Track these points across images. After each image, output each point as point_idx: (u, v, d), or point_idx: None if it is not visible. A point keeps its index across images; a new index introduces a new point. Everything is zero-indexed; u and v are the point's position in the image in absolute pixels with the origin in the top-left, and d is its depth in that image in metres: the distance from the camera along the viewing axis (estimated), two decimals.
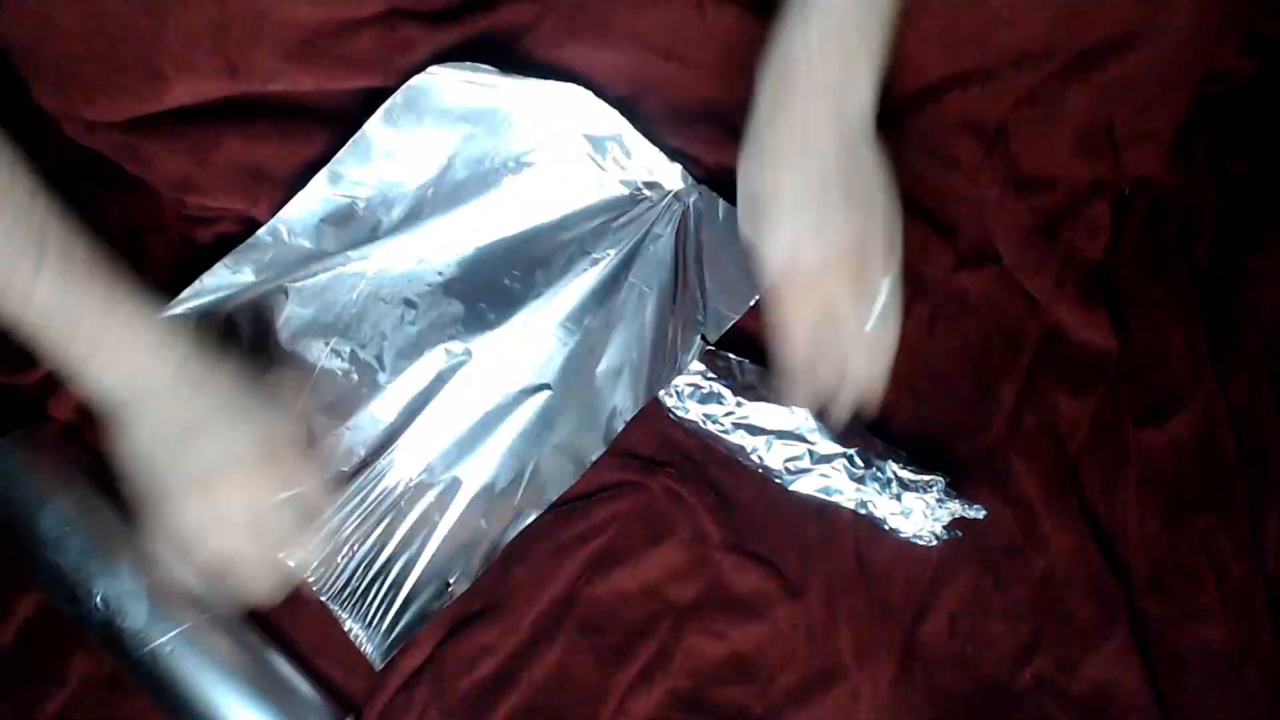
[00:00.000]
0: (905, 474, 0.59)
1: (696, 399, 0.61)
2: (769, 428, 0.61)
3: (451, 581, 0.59)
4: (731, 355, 0.63)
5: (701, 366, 0.62)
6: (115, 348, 0.50)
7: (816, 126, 0.46)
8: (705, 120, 0.66)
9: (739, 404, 0.61)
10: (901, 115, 0.66)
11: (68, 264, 0.49)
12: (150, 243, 0.66)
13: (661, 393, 0.62)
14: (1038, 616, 0.60)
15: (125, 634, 0.55)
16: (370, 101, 0.62)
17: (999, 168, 0.67)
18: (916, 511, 0.59)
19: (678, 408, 0.62)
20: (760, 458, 0.61)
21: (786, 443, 0.61)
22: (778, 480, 0.61)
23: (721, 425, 0.61)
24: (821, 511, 0.61)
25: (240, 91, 0.61)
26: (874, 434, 0.61)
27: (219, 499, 0.51)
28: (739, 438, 0.61)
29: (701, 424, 0.62)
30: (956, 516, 0.59)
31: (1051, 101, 0.65)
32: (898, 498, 0.59)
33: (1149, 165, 0.69)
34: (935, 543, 0.59)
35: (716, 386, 0.61)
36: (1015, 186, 0.67)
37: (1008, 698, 0.58)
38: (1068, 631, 0.59)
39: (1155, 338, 0.66)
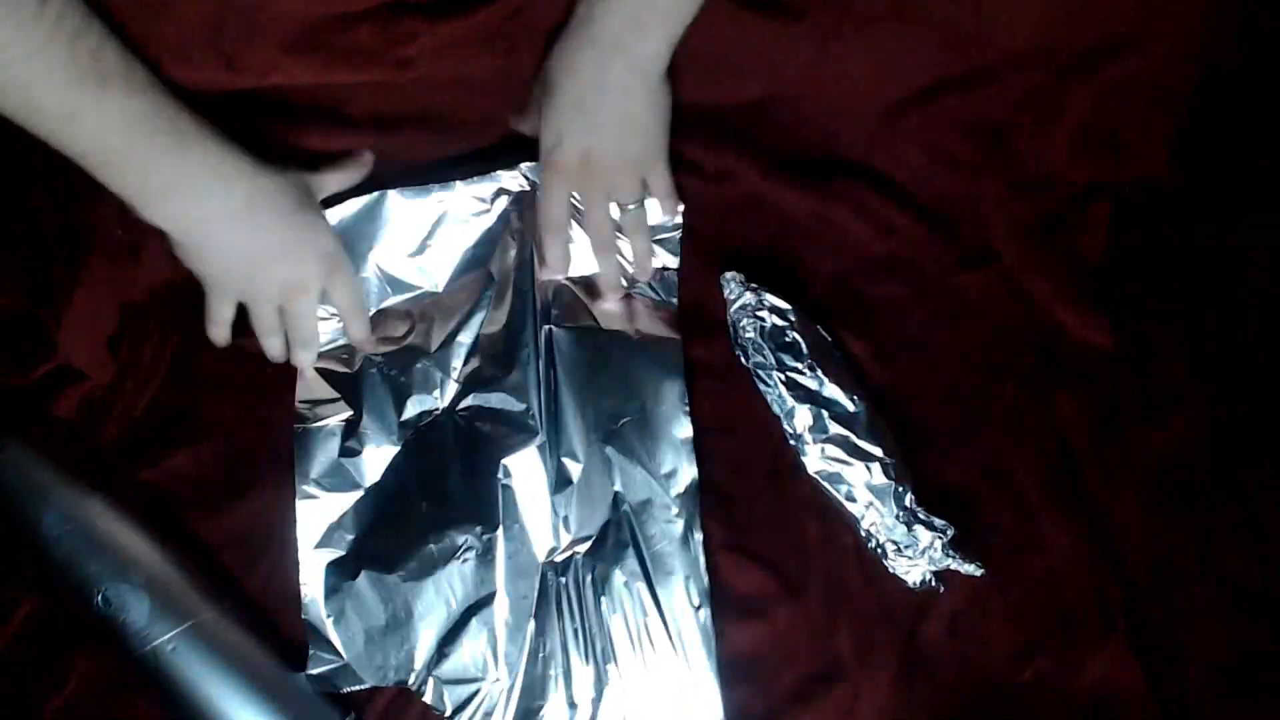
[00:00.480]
0: (920, 509, 0.58)
1: (771, 344, 0.61)
2: (822, 394, 0.60)
3: None
4: (819, 326, 0.63)
5: (788, 308, 0.62)
6: (185, 177, 0.52)
7: (606, 67, 0.57)
8: (698, 121, 0.66)
9: (810, 367, 0.60)
10: (902, 114, 0.66)
11: (130, 90, 0.49)
12: (150, 242, 0.66)
13: (742, 318, 0.62)
14: (1038, 616, 0.60)
15: (127, 632, 0.55)
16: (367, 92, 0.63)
17: (999, 167, 0.67)
18: (921, 545, 0.57)
19: (747, 339, 0.61)
20: (793, 421, 0.60)
21: (834, 421, 0.60)
22: (793, 444, 0.60)
23: (775, 375, 0.61)
24: (822, 511, 0.61)
25: (237, 85, 0.61)
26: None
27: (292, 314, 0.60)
28: (781, 393, 0.61)
29: (764, 362, 0.61)
30: (952, 569, 0.58)
31: (1051, 101, 0.65)
32: (908, 526, 0.58)
33: (1149, 165, 0.69)
34: (915, 585, 0.58)
35: (795, 337, 0.61)
36: (1015, 186, 0.67)
37: (1008, 698, 0.58)
38: (1068, 631, 0.59)
39: (1155, 338, 0.66)
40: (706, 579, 0.57)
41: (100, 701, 0.58)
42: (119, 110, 0.48)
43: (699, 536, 0.58)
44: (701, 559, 0.58)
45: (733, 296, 0.63)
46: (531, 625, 0.56)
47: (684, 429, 0.61)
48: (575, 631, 0.56)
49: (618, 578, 0.58)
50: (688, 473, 0.60)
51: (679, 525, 0.59)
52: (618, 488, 0.60)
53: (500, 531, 0.58)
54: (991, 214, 0.67)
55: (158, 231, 0.67)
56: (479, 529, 0.59)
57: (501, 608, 0.57)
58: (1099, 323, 0.66)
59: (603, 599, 0.57)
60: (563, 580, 0.58)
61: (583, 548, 0.58)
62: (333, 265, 0.61)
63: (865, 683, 0.58)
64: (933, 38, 0.61)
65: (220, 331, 0.62)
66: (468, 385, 0.63)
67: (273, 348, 0.63)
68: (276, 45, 0.58)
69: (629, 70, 0.57)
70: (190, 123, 0.51)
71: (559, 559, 0.58)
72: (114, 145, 0.49)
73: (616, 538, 0.58)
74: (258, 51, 0.59)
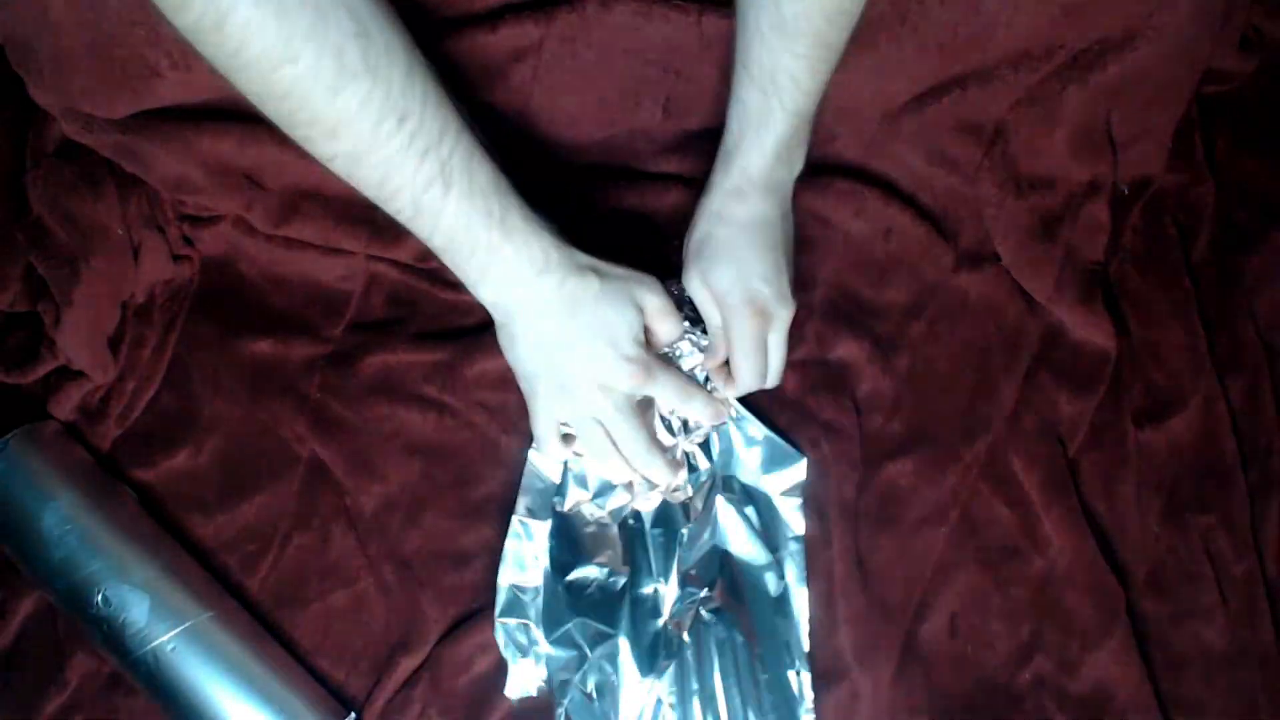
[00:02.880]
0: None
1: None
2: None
3: None
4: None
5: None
6: (506, 267, 0.54)
7: (765, 208, 0.59)
8: (704, 134, 0.67)
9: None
10: (901, 116, 0.66)
11: (471, 187, 0.52)
12: (150, 242, 0.66)
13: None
14: (1038, 616, 0.60)
15: (127, 632, 0.55)
16: None
17: (999, 168, 0.67)
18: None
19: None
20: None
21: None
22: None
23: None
24: (821, 511, 0.61)
25: (236, 91, 0.61)
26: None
27: (580, 406, 0.58)
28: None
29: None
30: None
31: (1051, 101, 0.65)
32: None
33: (1148, 165, 0.69)
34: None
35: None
36: (1015, 186, 0.67)
37: (1008, 698, 0.58)
38: (1068, 631, 0.59)
39: (1155, 338, 0.66)
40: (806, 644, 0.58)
41: (100, 701, 0.58)
42: (455, 210, 0.52)
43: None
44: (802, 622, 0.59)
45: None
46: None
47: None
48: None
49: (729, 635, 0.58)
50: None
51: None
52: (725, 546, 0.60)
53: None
54: (991, 214, 0.67)
55: (158, 231, 0.67)
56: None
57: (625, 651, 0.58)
58: (1099, 323, 0.66)
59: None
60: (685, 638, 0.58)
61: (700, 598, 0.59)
62: (643, 365, 0.57)
63: (865, 683, 0.58)
64: (932, 38, 0.61)
65: (553, 451, 0.61)
66: None
67: (615, 471, 0.60)
68: None
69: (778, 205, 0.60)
70: (518, 217, 0.54)
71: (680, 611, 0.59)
72: (446, 236, 0.53)
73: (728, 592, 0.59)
74: None
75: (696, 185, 0.67)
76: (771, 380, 0.61)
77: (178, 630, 0.55)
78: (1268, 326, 0.66)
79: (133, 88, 0.59)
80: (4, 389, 0.63)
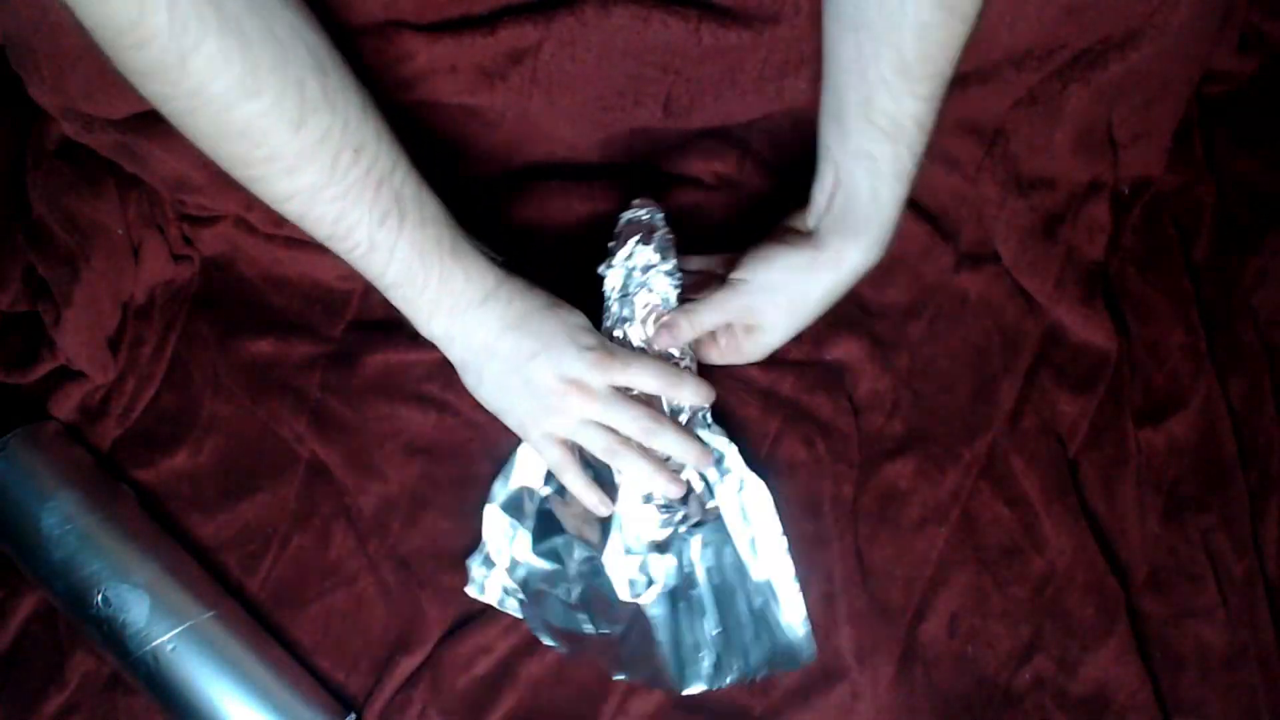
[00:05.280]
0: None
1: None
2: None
3: None
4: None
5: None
6: (458, 297, 0.55)
7: (813, 286, 0.57)
8: (704, 134, 0.66)
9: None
10: None
11: (422, 216, 0.52)
12: (150, 242, 0.66)
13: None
14: (1038, 616, 0.60)
15: (127, 632, 0.55)
16: None
17: (999, 168, 0.67)
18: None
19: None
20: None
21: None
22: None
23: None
24: (820, 511, 0.61)
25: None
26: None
27: (566, 414, 0.57)
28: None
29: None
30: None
31: (1051, 101, 0.65)
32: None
33: (1148, 165, 0.69)
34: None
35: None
36: (1015, 186, 0.67)
37: (1008, 698, 0.58)
38: (1068, 631, 0.59)
39: (1155, 338, 0.66)
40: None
41: (100, 701, 0.58)
42: (409, 240, 0.52)
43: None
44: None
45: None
46: None
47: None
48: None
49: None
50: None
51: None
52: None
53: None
54: (992, 214, 0.67)
55: (158, 231, 0.67)
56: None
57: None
58: (1099, 323, 0.66)
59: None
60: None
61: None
62: (605, 351, 0.57)
63: (865, 683, 0.58)
64: None
65: (564, 464, 0.59)
66: None
67: (636, 468, 0.57)
68: None
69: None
70: (467, 244, 0.55)
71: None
72: (401, 269, 0.53)
73: None
74: None
75: (697, 184, 0.68)
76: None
77: (178, 630, 0.55)
78: (1268, 326, 0.66)
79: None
80: (4, 389, 0.64)
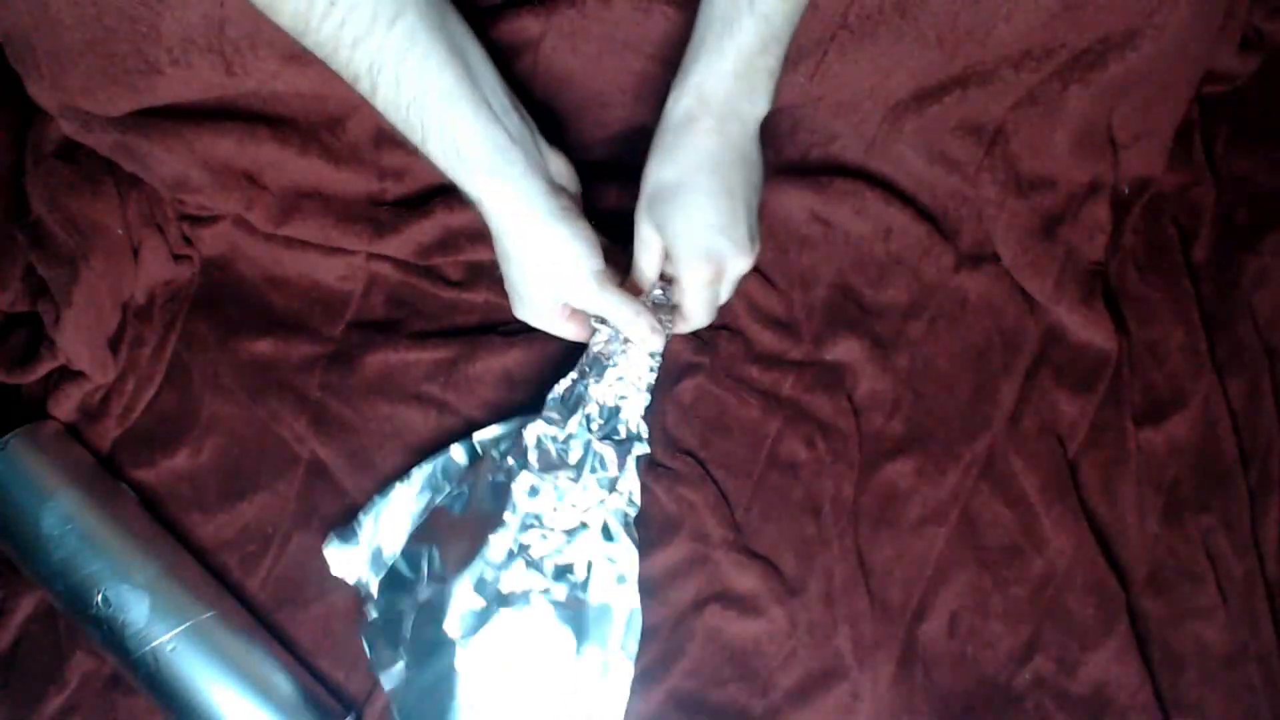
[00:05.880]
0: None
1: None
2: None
3: None
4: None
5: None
6: (498, 191, 0.53)
7: (721, 142, 0.54)
8: None
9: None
10: (901, 115, 0.66)
11: (476, 112, 0.52)
12: (150, 242, 0.66)
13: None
14: (1038, 616, 0.60)
15: (127, 632, 0.55)
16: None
17: (999, 168, 0.67)
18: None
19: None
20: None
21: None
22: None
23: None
24: (820, 511, 0.61)
25: (237, 90, 0.61)
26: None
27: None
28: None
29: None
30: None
31: (1051, 101, 0.65)
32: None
33: (1148, 165, 0.69)
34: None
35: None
36: (1015, 186, 0.67)
37: (1008, 698, 0.58)
38: (1068, 631, 0.59)
39: (1155, 338, 0.67)
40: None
41: (100, 701, 0.58)
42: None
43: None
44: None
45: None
46: None
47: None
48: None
49: None
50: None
51: None
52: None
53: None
54: (992, 214, 0.67)
55: (158, 231, 0.67)
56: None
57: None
58: (1099, 323, 0.66)
59: None
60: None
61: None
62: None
63: (865, 683, 0.58)
64: (931, 30, 0.61)
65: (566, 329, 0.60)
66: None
67: (640, 318, 0.57)
68: (277, 53, 0.58)
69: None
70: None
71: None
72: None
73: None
74: (257, 58, 0.59)
75: None
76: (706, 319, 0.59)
77: (178, 630, 0.55)
78: (1268, 326, 0.66)
79: (132, 84, 0.59)
80: (4, 389, 0.63)
